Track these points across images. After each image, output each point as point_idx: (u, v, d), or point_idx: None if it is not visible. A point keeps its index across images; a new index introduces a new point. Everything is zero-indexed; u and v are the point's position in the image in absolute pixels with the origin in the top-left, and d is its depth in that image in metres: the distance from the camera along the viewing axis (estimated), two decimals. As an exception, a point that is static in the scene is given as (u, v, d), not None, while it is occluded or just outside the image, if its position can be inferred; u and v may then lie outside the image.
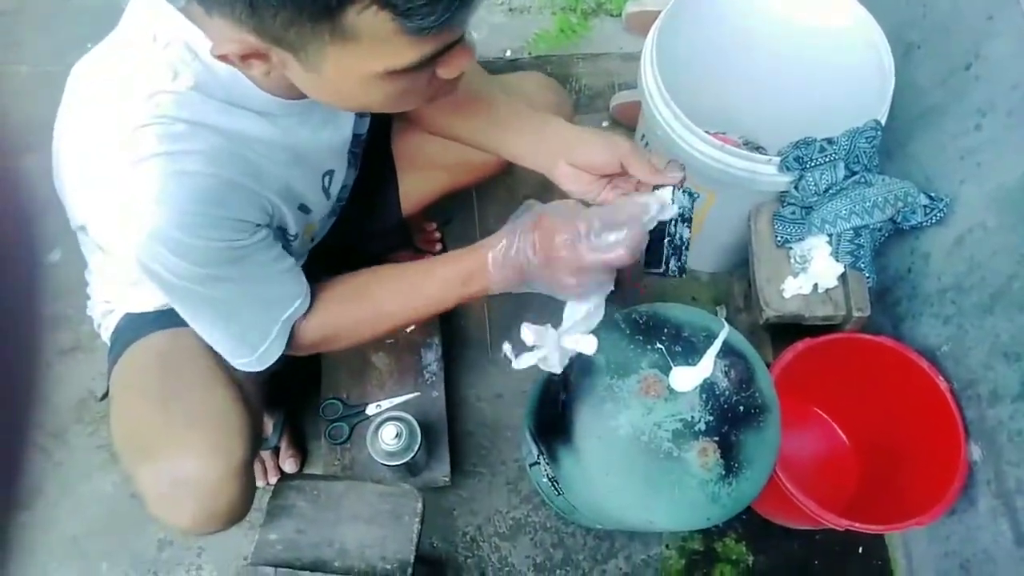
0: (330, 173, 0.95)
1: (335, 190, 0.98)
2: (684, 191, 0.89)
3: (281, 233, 0.91)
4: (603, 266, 0.81)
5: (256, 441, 0.98)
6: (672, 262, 0.89)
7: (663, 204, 0.85)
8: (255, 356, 0.88)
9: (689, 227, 0.90)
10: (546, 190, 1.61)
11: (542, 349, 0.89)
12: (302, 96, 0.80)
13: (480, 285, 0.88)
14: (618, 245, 0.80)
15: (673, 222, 0.88)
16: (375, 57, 0.65)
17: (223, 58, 0.68)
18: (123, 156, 0.72)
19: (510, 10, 1.80)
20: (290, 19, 0.61)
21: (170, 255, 0.75)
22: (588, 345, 0.89)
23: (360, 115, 1.04)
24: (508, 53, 1.73)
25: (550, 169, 0.95)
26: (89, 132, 0.76)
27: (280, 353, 0.90)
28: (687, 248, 0.90)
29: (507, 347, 0.89)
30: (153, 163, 0.71)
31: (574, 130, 0.95)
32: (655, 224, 0.85)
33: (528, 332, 0.88)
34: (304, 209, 0.92)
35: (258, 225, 0.82)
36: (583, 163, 0.92)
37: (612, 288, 0.87)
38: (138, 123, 0.71)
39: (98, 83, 0.78)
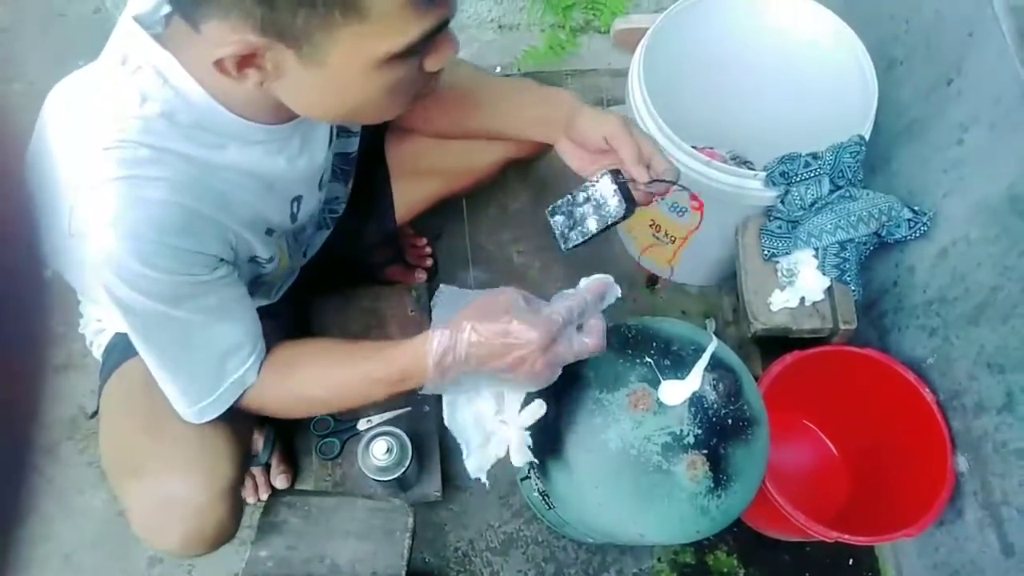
0: (298, 199, 0.93)
1: (303, 213, 0.96)
2: (619, 188, 0.90)
3: (254, 263, 0.90)
4: (572, 358, 0.81)
5: (244, 461, 0.98)
6: (565, 233, 0.92)
7: (610, 287, 0.87)
8: (194, 408, 0.86)
9: (599, 224, 0.91)
10: (537, 206, 1.63)
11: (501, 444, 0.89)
12: (281, 121, 0.80)
13: (412, 386, 0.84)
14: (588, 336, 0.81)
15: (584, 199, 0.90)
16: (381, 36, 0.65)
17: (219, 65, 0.67)
18: (84, 179, 0.70)
19: (499, 27, 1.82)
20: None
21: (122, 284, 0.73)
22: (539, 410, 0.87)
23: (349, 133, 1.05)
24: (498, 69, 1.74)
25: (557, 140, 0.97)
26: (57, 153, 0.75)
27: (221, 412, 0.87)
28: (584, 234, 0.92)
29: (469, 464, 0.89)
30: (112, 187, 0.70)
31: (575, 104, 0.97)
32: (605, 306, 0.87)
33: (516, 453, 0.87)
34: (269, 232, 0.90)
35: (221, 260, 0.80)
36: (576, 140, 0.95)
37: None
38: (101, 146, 0.70)
39: (69, 106, 0.77)
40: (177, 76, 0.72)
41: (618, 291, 0.87)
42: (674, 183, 0.93)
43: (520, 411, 0.86)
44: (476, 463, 0.89)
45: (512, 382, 0.82)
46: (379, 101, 0.74)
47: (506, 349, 0.77)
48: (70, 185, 0.72)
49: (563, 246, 0.93)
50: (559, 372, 0.82)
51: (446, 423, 0.91)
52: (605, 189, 0.89)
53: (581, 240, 0.93)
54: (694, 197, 1.25)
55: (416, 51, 0.69)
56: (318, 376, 0.88)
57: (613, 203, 0.90)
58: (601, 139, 0.92)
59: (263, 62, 0.67)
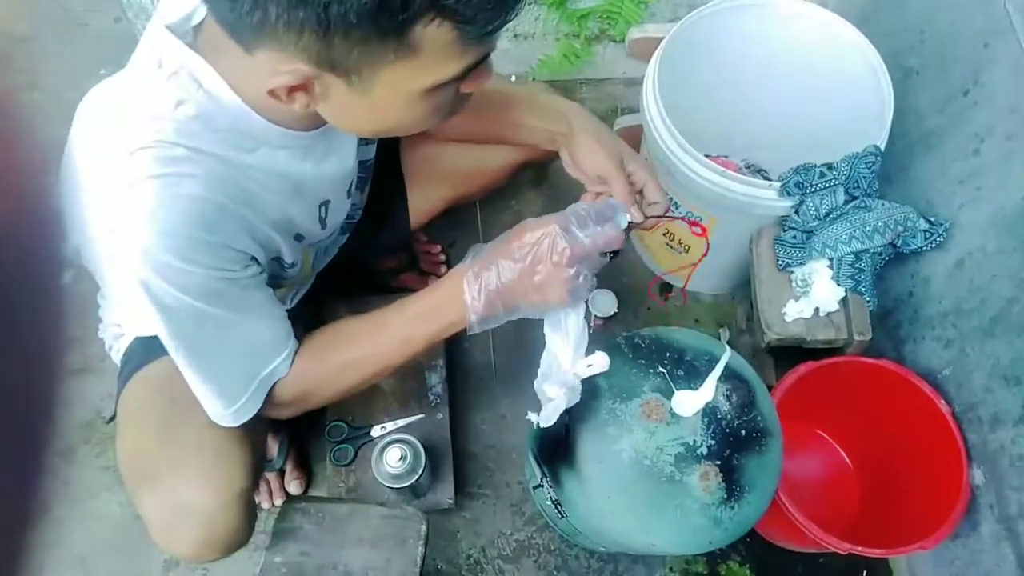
0: (326, 204, 0.95)
1: (332, 220, 0.99)
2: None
3: (277, 263, 0.92)
4: (595, 250, 0.82)
5: (258, 468, 0.98)
6: None
7: (617, 210, 0.88)
8: (231, 410, 0.86)
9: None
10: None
11: (558, 395, 0.90)
12: (308, 128, 0.82)
13: (453, 316, 0.85)
14: (607, 228, 0.83)
15: None
16: (428, 70, 0.68)
17: (272, 93, 0.69)
18: (120, 177, 0.72)
19: (515, 36, 1.83)
20: (359, 39, 0.63)
21: (158, 279, 0.74)
22: (601, 362, 0.90)
23: (368, 141, 1.06)
24: (513, 78, 1.75)
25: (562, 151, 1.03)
26: (91, 154, 0.77)
27: (256, 410, 0.88)
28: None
29: (532, 415, 0.92)
30: (149, 185, 0.72)
31: (576, 126, 1.00)
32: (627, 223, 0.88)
33: (549, 388, 0.90)
34: (298, 238, 0.92)
35: (252, 258, 0.82)
36: (575, 166, 1.00)
37: (589, 294, 0.86)
38: (137, 146, 0.72)
39: (105, 107, 0.79)
40: (211, 81, 0.74)
41: (627, 215, 0.88)
42: (662, 216, 0.97)
43: (580, 360, 0.90)
44: (545, 414, 0.91)
45: (547, 297, 0.83)
46: (417, 122, 0.77)
47: (529, 246, 0.81)
48: (107, 184, 0.74)
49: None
50: (588, 282, 0.83)
51: (535, 386, 0.93)
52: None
53: None
54: (695, 223, 1.26)
55: (458, 79, 0.72)
56: (361, 336, 0.91)
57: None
58: (595, 175, 0.96)
59: (312, 88, 0.69)
